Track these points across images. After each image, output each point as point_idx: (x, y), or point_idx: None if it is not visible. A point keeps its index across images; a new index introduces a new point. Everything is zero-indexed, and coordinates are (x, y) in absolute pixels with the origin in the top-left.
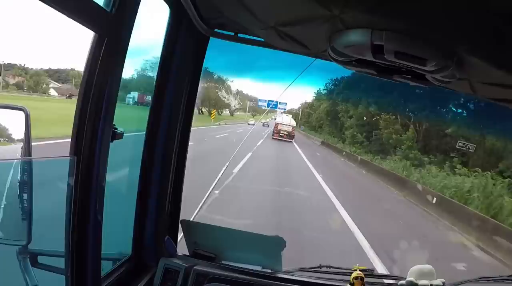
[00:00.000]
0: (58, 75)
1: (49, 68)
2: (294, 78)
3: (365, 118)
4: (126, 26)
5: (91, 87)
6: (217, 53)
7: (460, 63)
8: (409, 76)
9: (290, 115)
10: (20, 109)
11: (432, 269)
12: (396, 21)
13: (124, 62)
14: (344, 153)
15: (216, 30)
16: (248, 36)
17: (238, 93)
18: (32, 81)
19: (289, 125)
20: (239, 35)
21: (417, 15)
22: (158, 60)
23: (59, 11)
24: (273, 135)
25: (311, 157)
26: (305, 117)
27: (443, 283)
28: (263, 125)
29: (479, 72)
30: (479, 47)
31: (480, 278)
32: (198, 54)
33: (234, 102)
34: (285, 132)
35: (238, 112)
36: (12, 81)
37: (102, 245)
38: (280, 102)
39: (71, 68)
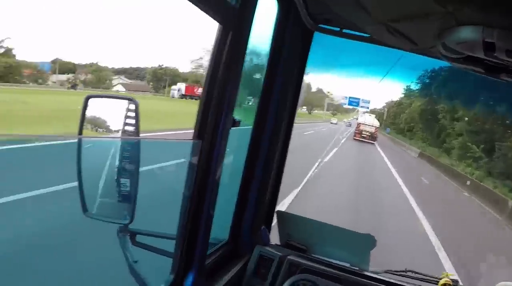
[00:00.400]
0: (138, 73)
1: (130, 67)
2: (384, 75)
3: (479, 123)
4: (248, 19)
5: (216, 76)
6: None
7: None
8: None
9: (373, 115)
10: (130, 99)
11: None
12: (508, 19)
13: (245, 55)
14: (469, 183)
15: (320, 25)
16: (353, 32)
17: (318, 90)
18: (94, 77)
19: (372, 126)
20: (344, 30)
21: None
22: (262, 54)
23: (191, 1)
24: (354, 136)
25: (418, 190)
26: (391, 117)
27: None
28: (346, 125)
29: None
30: None
31: None
32: (303, 49)
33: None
34: (367, 133)
35: (316, 111)
36: (82, 77)
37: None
38: (362, 100)
39: (151, 67)
